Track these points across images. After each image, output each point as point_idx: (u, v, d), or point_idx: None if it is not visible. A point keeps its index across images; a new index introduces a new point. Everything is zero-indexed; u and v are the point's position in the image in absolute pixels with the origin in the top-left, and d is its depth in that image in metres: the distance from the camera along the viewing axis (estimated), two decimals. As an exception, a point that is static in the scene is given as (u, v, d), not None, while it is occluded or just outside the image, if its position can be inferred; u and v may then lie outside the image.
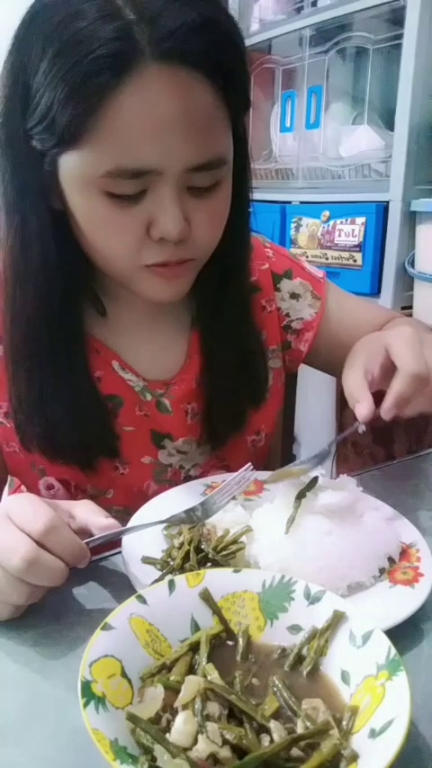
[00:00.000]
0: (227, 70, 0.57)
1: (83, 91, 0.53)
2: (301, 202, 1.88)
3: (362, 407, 0.62)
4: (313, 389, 1.30)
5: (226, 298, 0.76)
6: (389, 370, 0.65)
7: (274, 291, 0.85)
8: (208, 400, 0.78)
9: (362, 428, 0.63)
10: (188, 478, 0.80)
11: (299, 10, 1.85)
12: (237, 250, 0.74)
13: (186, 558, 0.57)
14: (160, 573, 0.56)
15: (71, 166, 0.58)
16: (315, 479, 0.63)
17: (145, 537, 0.62)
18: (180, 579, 0.49)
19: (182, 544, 0.59)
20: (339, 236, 1.71)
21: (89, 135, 0.55)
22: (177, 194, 0.59)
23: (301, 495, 0.61)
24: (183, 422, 0.78)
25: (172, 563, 0.57)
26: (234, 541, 0.59)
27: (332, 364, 0.92)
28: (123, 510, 0.77)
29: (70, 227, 0.64)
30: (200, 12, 0.54)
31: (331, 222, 1.74)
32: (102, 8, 0.52)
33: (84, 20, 0.52)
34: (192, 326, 0.80)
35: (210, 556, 0.57)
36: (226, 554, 0.58)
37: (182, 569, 0.56)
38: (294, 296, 0.87)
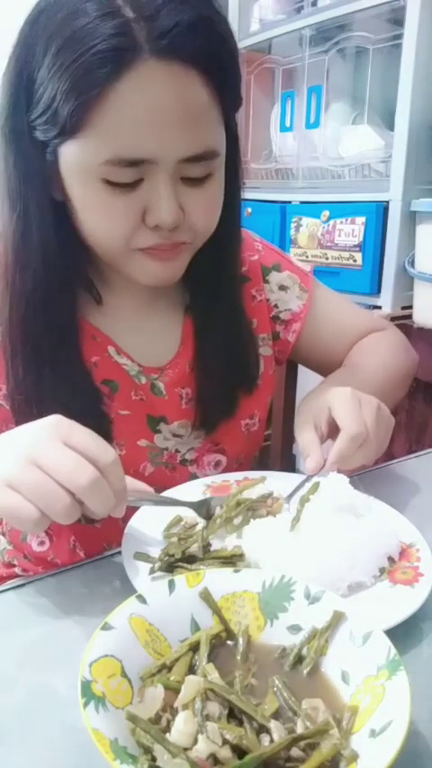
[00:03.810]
0: (220, 67, 0.60)
1: (84, 83, 0.56)
2: (301, 202, 1.88)
3: (311, 461, 0.69)
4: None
5: (218, 286, 0.79)
6: (334, 425, 0.70)
7: (263, 283, 0.88)
8: (201, 385, 0.80)
9: (314, 479, 0.67)
10: (184, 462, 0.81)
11: (299, 10, 1.85)
12: (229, 240, 0.77)
13: (185, 557, 0.57)
14: (159, 573, 0.56)
15: (72, 156, 0.61)
16: (317, 484, 0.64)
17: (145, 537, 0.62)
18: (180, 579, 0.48)
19: (179, 542, 0.59)
20: (339, 235, 1.71)
21: (89, 125, 0.58)
22: (172, 183, 0.62)
23: (305, 500, 0.61)
24: (177, 405, 0.80)
25: (163, 559, 0.57)
26: (232, 555, 0.59)
27: (313, 360, 0.96)
28: None
29: (69, 217, 0.66)
30: (195, 10, 0.57)
31: (331, 222, 1.74)
32: (102, 6, 0.55)
33: (86, 17, 0.55)
34: (185, 314, 0.82)
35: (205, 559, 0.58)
36: (224, 562, 0.58)
37: (172, 566, 0.57)
38: (283, 288, 0.90)
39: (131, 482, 0.58)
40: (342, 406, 0.69)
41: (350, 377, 0.83)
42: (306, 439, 0.71)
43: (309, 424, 0.72)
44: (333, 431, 0.70)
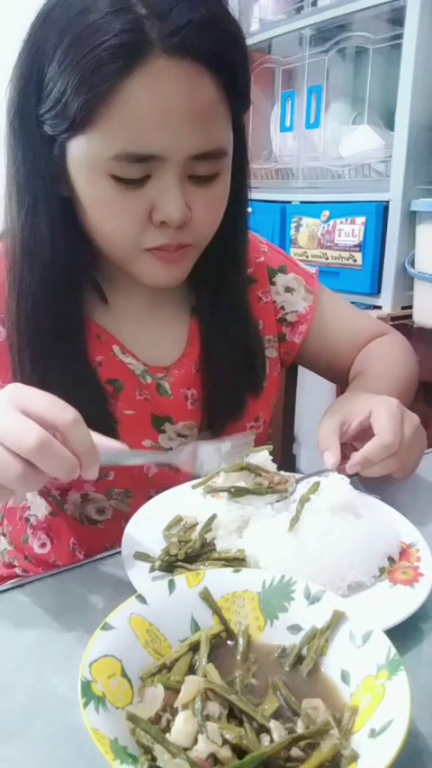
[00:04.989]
0: (230, 67, 0.60)
1: (95, 77, 0.56)
2: (301, 202, 1.88)
3: (330, 456, 0.67)
4: (313, 390, 1.30)
5: (224, 287, 0.79)
6: (365, 429, 0.69)
7: (269, 285, 0.88)
8: (207, 387, 0.80)
9: (330, 473, 0.66)
10: None
11: (299, 10, 1.86)
12: (235, 242, 0.77)
13: (186, 558, 0.57)
14: (159, 573, 0.56)
15: (80, 150, 0.61)
16: (317, 484, 0.64)
17: (145, 537, 0.62)
18: (180, 579, 0.48)
19: (180, 543, 0.59)
20: (339, 235, 1.71)
21: (99, 120, 0.58)
22: (180, 181, 0.62)
23: (305, 500, 0.61)
24: (183, 406, 0.80)
25: (163, 559, 0.57)
26: (234, 558, 0.59)
27: (319, 362, 0.96)
28: (124, 492, 0.78)
29: (75, 215, 0.67)
30: (207, 9, 0.58)
31: (331, 222, 1.74)
32: (115, 2, 0.56)
33: (98, 13, 0.56)
34: (191, 315, 0.82)
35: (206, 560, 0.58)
36: (225, 564, 0.58)
37: (172, 566, 0.57)
38: (289, 290, 0.90)
39: (103, 441, 0.55)
40: (384, 413, 0.67)
41: (379, 385, 0.82)
42: (327, 429, 0.69)
43: (335, 418, 0.70)
44: (360, 435, 0.69)
